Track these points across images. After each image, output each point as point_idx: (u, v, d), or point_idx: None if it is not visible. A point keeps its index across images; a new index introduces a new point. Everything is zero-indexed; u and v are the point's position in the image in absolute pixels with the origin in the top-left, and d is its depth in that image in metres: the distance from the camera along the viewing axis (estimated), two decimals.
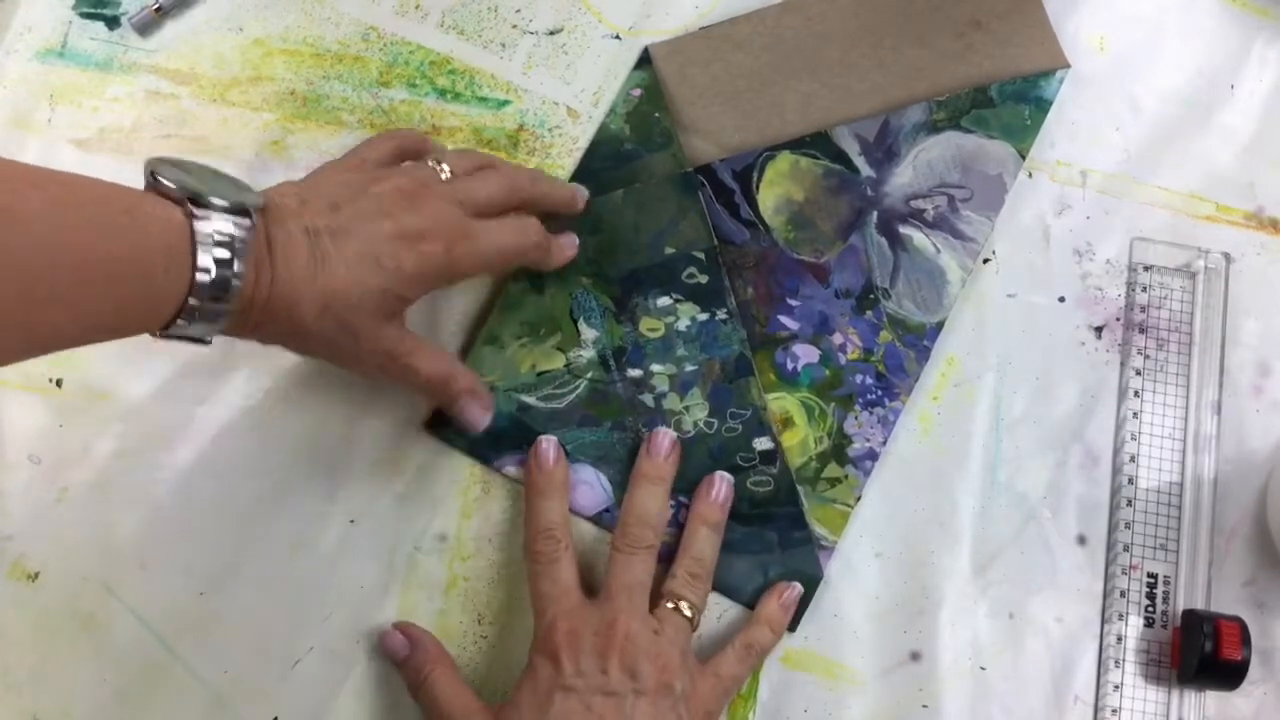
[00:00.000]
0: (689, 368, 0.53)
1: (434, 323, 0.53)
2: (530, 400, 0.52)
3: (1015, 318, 0.54)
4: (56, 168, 0.38)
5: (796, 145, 0.55)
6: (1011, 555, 0.52)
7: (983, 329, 0.54)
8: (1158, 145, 0.57)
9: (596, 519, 0.51)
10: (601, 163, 0.55)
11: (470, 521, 0.51)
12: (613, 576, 0.47)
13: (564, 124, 0.56)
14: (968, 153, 0.55)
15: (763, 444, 0.52)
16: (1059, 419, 0.53)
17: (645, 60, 0.56)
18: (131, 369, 0.52)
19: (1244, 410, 0.54)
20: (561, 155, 0.55)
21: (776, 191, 0.55)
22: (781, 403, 0.53)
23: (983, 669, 0.51)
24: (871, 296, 0.54)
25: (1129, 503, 0.52)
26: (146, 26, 0.55)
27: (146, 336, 0.51)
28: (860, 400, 0.53)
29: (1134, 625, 0.51)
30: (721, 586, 0.51)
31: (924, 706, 0.50)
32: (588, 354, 0.53)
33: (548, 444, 0.51)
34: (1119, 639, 0.51)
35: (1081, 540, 0.52)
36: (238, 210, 0.40)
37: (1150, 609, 0.51)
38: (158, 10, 0.55)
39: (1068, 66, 0.57)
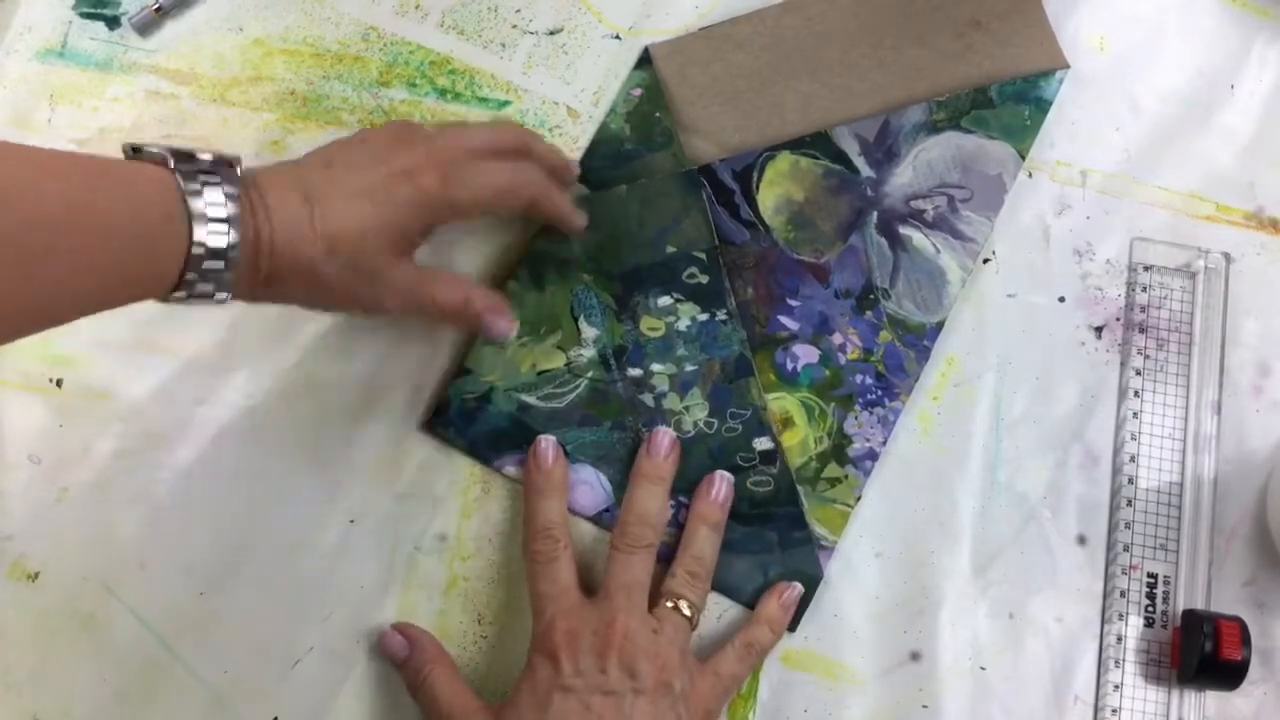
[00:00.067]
0: (689, 368, 0.53)
1: (435, 322, 0.53)
2: (530, 400, 0.52)
3: (1015, 318, 0.54)
4: None
5: (796, 145, 0.55)
6: (1011, 555, 0.52)
7: (983, 329, 0.54)
8: (1158, 145, 0.57)
9: (596, 519, 0.51)
10: (602, 162, 0.55)
11: (470, 521, 0.51)
12: (612, 576, 0.47)
13: (564, 124, 0.56)
14: (968, 153, 0.55)
15: (763, 444, 0.52)
16: (1059, 419, 0.53)
17: (645, 60, 0.56)
18: (131, 369, 0.52)
19: (1244, 410, 0.54)
20: None
21: (776, 191, 0.55)
22: (781, 403, 0.53)
23: (983, 669, 0.51)
24: (871, 297, 0.54)
25: (1129, 503, 0.52)
26: (146, 26, 0.55)
27: (147, 337, 0.51)
28: (860, 400, 0.53)
29: (1134, 625, 0.51)
30: (721, 586, 0.51)
31: (924, 706, 0.50)
32: (588, 353, 0.53)
33: (547, 444, 0.51)
34: (1119, 639, 0.51)
35: (1081, 540, 0.52)
36: (222, 161, 0.41)
37: (1150, 609, 0.51)
38: (158, 10, 0.55)
39: (1067, 67, 0.56)
